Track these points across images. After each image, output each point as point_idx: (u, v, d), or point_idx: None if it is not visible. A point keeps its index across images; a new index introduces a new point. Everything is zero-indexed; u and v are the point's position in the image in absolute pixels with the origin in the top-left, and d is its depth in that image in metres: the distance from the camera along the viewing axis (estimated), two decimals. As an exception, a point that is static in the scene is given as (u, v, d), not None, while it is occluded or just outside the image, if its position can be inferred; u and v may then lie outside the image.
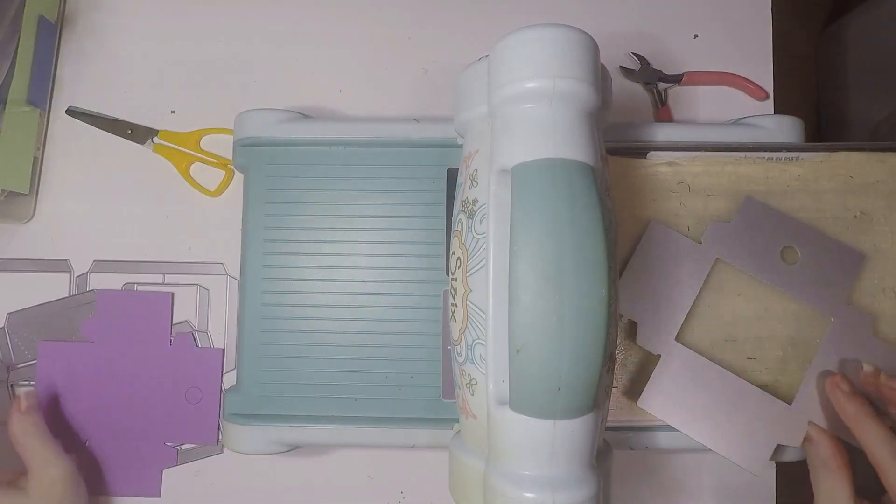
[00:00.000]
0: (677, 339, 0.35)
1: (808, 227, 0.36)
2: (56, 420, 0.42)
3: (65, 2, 0.45)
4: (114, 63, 0.45)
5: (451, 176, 0.37)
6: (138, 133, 0.44)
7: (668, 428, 0.35)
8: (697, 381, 0.34)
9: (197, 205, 0.44)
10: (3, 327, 0.43)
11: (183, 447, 0.42)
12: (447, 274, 0.36)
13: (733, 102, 0.44)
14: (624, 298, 0.35)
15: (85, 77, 0.45)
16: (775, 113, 0.43)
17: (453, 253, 0.31)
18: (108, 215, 0.44)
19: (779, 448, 0.34)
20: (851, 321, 0.34)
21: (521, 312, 0.24)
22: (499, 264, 0.26)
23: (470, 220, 0.29)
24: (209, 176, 0.44)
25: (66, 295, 0.43)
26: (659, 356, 0.35)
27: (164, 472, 0.42)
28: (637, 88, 0.45)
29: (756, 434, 0.34)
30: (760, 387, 0.34)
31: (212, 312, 0.43)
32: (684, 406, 0.34)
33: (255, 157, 0.38)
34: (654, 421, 0.35)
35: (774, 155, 0.37)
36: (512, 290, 0.24)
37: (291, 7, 0.45)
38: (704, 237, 0.36)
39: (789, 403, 0.34)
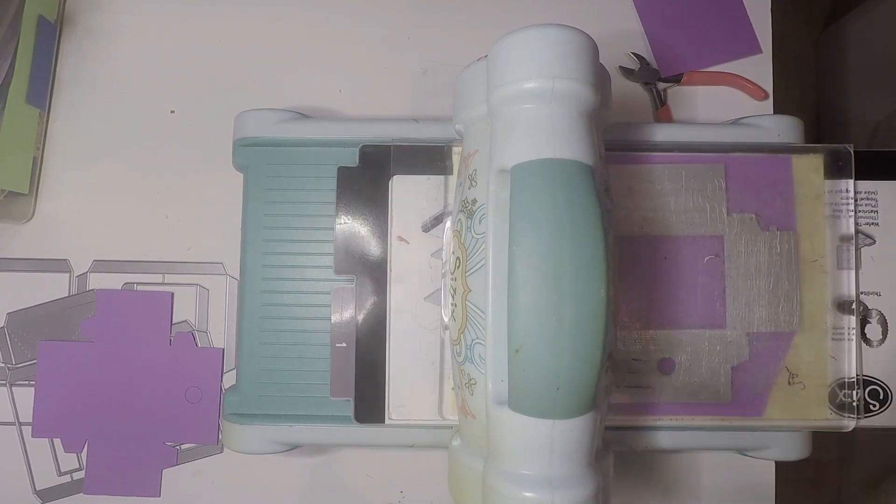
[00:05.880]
0: None
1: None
2: (55, 420, 0.42)
3: (65, 2, 0.45)
4: (114, 63, 0.45)
5: (451, 176, 0.37)
6: None
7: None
8: None
9: (197, 205, 0.44)
10: (3, 327, 0.43)
11: (183, 447, 0.42)
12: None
13: (733, 102, 0.44)
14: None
15: (85, 77, 0.45)
16: (775, 113, 0.43)
17: (452, 253, 0.31)
18: (108, 215, 0.44)
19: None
20: None
21: (521, 312, 0.24)
22: (498, 264, 0.26)
23: (469, 220, 0.29)
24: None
25: (66, 295, 0.43)
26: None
27: (163, 471, 0.42)
28: (637, 88, 0.45)
29: None
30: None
31: (212, 312, 0.43)
32: None
33: (255, 157, 0.38)
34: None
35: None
36: (511, 290, 0.24)
37: (291, 7, 0.45)
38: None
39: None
